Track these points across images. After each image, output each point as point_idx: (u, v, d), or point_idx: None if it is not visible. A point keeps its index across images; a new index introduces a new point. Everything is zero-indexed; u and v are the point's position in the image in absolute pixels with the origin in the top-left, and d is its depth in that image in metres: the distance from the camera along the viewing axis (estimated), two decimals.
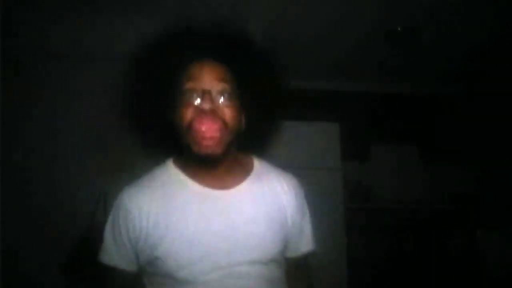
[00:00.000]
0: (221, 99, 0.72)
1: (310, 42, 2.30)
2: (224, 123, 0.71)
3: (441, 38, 2.29)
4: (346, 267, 2.31)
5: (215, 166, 0.75)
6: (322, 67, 2.72)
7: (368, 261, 2.46)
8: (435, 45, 2.39)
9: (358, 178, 2.90)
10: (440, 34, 2.24)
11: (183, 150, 0.75)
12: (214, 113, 0.70)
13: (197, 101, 0.71)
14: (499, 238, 1.77)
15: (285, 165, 0.87)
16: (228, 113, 0.72)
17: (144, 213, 0.74)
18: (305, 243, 0.84)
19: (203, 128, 0.69)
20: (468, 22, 2.08)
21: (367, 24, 2.13)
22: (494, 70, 2.68)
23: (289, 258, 0.82)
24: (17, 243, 2.02)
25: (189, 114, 0.70)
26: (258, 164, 0.85)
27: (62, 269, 1.88)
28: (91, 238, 1.68)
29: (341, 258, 2.31)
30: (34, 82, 2.32)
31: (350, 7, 1.96)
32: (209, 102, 0.69)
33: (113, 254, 0.77)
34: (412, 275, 2.52)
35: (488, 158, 2.90)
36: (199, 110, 0.70)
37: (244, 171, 0.81)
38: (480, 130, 2.85)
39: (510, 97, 2.56)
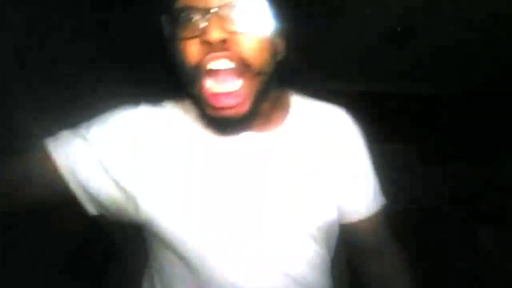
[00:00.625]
0: (241, 20, 0.45)
1: (310, 42, 2.30)
2: (246, 62, 0.46)
3: (441, 38, 2.29)
4: (346, 267, 2.31)
5: (243, 126, 0.53)
6: (322, 68, 2.71)
7: None
8: (435, 45, 2.39)
9: None
10: (440, 34, 2.24)
11: (194, 102, 0.53)
12: (228, 46, 0.45)
13: (200, 25, 0.45)
14: (499, 237, 1.76)
15: None
16: (252, 46, 0.46)
17: (141, 142, 0.52)
18: (374, 197, 0.63)
19: (217, 82, 0.46)
20: (468, 22, 2.08)
21: (366, 24, 2.13)
22: (494, 70, 2.67)
23: (360, 221, 0.60)
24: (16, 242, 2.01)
25: (188, 52, 0.46)
26: (297, 100, 0.62)
27: (62, 268, 1.88)
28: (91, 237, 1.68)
29: (341, 258, 2.30)
30: None
31: (350, 7, 1.96)
32: (219, 27, 0.44)
33: (68, 150, 0.50)
34: (411, 275, 2.52)
35: (488, 158, 2.90)
36: (203, 45, 0.45)
37: (280, 110, 0.59)
38: (480, 130, 2.85)
39: (510, 97, 2.56)
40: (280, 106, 0.59)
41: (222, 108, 0.46)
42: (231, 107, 0.46)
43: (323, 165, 0.57)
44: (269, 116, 0.57)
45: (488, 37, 2.24)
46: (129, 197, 0.51)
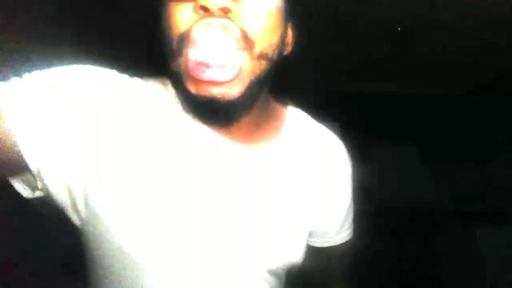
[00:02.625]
0: None
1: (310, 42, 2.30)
2: (248, 38, 0.37)
3: (441, 38, 2.29)
4: None
5: (230, 118, 0.43)
6: (322, 68, 2.71)
7: (368, 261, 2.45)
8: (435, 45, 2.38)
9: (358, 179, 2.90)
10: (441, 33, 2.24)
11: (174, 81, 0.43)
12: (228, 16, 0.36)
13: None
14: (499, 238, 1.76)
15: None
16: (258, 19, 0.38)
17: (110, 118, 0.41)
18: (345, 229, 0.58)
19: (206, 50, 0.36)
20: (468, 22, 2.08)
21: (366, 24, 2.13)
22: (495, 70, 2.67)
23: (323, 249, 0.57)
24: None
25: (176, 17, 0.37)
26: (293, 116, 0.55)
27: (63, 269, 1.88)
28: None
29: None
30: None
31: (349, 7, 1.96)
32: None
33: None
34: (412, 275, 2.52)
35: (488, 158, 2.90)
36: (197, 11, 0.36)
37: (273, 124, 0.52)
38: (480, 130, 2.85)
39: (510, 97, 2.55)
40: (274, 119, 0.52)
41: (206, 84, 0.36)
42: (218, 84, 0.36)
43: (304, 191, 0.52)
44: (261, 126, 0.49)
45: (488, 37, 2.24)
46: (84, 179, 0.40)
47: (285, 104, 0.56)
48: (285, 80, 0.49)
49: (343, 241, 0.60)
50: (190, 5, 0.37)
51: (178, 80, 0.39)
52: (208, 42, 0.36)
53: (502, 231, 1.85)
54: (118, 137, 0.42)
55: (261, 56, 0.39)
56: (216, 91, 0.37)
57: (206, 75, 0.36)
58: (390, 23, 2.14)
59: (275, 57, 0.41)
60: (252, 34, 0.37)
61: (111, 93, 0.42)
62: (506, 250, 1.76)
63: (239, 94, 0.38)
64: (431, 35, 2.23)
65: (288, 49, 0.46)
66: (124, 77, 0.45)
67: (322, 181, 0.54)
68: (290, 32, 0.46)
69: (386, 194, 3.07)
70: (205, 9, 0.35)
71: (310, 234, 0.55)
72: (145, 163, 0.42)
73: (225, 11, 0.35)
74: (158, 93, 0.46)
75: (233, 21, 0.36)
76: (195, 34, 0.36)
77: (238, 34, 0.37)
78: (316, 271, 0.59)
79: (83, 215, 0.42)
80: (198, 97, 0.38)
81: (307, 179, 0.53)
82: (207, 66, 0.36)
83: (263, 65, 0.39)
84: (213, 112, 0.40)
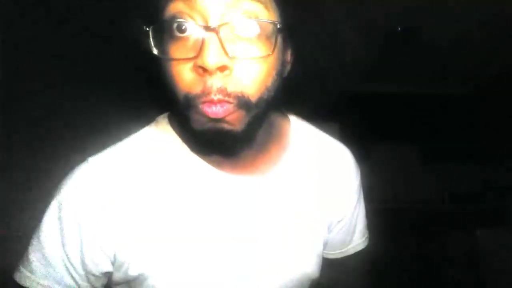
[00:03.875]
0: (247, 39, 0.38)
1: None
2: (247, 100, 0.39)
3: (441, 38, 2.29)
4: None
5: (234, 150, 0.46)
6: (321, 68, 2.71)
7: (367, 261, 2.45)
8: (435, 45, 2.39)
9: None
10: (441, 34, 2.24)
11: (178, 115, 0.44)
12: (226, 76, 0.37)
13: (194, 43, 0.37)
14: (499, 238, 1.76)
15: None
16: (258, 74, 0.39)
17: (117, 214, 0.44)
18: (355, 239, 0.59)
19: (209, 113, 0.38)
20: (468, 22, 2.08)
21: (366, 24, 2.13)
22: (495, 70, 2.67)
23: (339, 260, 0.58)
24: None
25: (179, 77, 0.38)
26: (297, 130, 0.55)
27: None
28: None
29: None
30: None
31: (349, 7, 1.95)
32: (218, 50, 0.36)
33: (41, 273, 0.43)
34: (412, 275, 2.52)
35: (488, 158, 2.90)
36: (196, 69, 0.37)
37: (278, 144, 0.51)
38: (480, 130, 2.85)
39: (510, 97, 2.56)
40: (278, 137, 0.52)
41: (214, 119, 0.38)
42: (224, 118, 0.38)
43: (317, 203, 0.53)
44: (267, 146, 0.50)
45: (488, 37, 2.24)
46: (119, 261, 0.45)
47: (286, 117, 0.56)
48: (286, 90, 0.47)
49: (357, 250, 0.60)
50: (190, 64, 0.38)
51: (184, 117, 0.41)
52: (213, 108, 0.38)
53: (502, 231, 1.85)
54: (153, 209, 0.46)
55: (257, 106, 0.40)
56: (223, 125, 0.39)
57: (213, 112, 0.38)
58: (390, 23, 2.14)
59: (273, 94, 0.42)
60: (250, 92, 0.39)
61: (123, 189, 0.46)
62: (505, 251, 1.76)
63: (242, 128, 0.40)
64: (432, 35, 2.23)
65: (289, 67, 0.46)
66: (120, 160, 0.47)
67: (332, 191, 0.55)
68: (288, 58, 0.45)
69: (386, 194, 3.08)
70: (203, 69, 0.36)
71: (325, 246, 0.56)
72: (174, 219, 0.46)
73: (223, 69, 0.37)
74: (156, 143, 0.48)
75: (231, 81, 0.38)
76: (200, 100, 0.38)
77: (237, 96, 0.38)
78: (333, 283, 0.60)
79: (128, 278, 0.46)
80: (205, 131, 0.40)
81: (318, 190, 0.53)
82: (214, 108, 0.38)
83: (261, 109, 0.41)
84: (221, 143, 0.42)
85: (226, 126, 0.39)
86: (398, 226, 2.58)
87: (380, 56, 2.52)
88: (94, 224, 0.44)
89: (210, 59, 0.35)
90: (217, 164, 0.47)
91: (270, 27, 0.39)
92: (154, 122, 0.51)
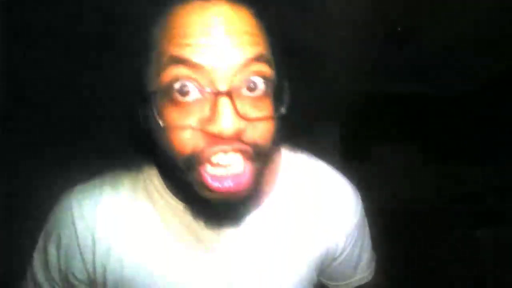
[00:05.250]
0: (253, 97, 0.37)
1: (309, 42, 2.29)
2: (258, 152, 0.38)
3: (442, 38, 2.29)
4: None
5: (235, 208, 0.42)
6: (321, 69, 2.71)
7: None
8: (435, 45, 2.38)
9: (358, 178, 2.90)
10: (441, 34, 2.24)
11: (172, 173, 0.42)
12: (239, 139, 0.36)
13: (200, 109, 0.35)
14: (498, 238, 1.76)
15: None
16: (267, 130, 0.38)
17: (102, 240, 0.45)
18: (359, 272, 0.57)
19: (221, 173, 0.36)
20: (468, 22, 2.08)
21: (366, 24, 2.13)
22: (494, 70, 2.67)
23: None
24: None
25: (183, 143, 0.36)
26: (288, 165, 0.53)
27: None
28: None
29: None
30: None
31: (349, 7, 1.95)
32: (230, 115, 0.34)
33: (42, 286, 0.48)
34: (411, 275, 2.52)
35: (488, 158, 2.90)
36: (207, 136, 0.35)
37: (266, 181, 0.49)
38: (480, 130, 2.85)
39: (510, 97, 2.56)
40: (267, 176, 0.49)
41: (222, 192, 0.36)
42: (233, 191, 0.36)
43: (304, 246, 0.51)
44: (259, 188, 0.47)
45: (488, 37, 2.24)
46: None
47: (278, 150, 0.54)
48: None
49: (362, 283, 0.58)
50: (197, 130, 0.35)
51: (184, 185, 0.39)
52: (224, 162, 0.36)
53: (502, 231, 1.85)
54: (127, 253, 0.47)
55: (266, 156, 0.40)
56: (230, 195, 0.37)
57: (222, 186, 0.36)
58: (390, 23, 2.14)
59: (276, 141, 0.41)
60: (261, 147, 0.38)
61: (107, 219, 0.46)
62: (505, 251, 1.76)
63: (248, 192, 0.39)
64: (432, 35, 2.23)
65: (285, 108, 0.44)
66: (107, 191, 0.48)
67: (323, 229, 0.53)
68: (286, 98, 0.41)
69: (386, 194, 3.07)
70: (216, 136, 0.34)
71: (328, 276, 0.56)
72: (153, 259, 0.46)
73: (238, 134, 0.35)
74: (145, 189, 0.48)
75: (243, 140, 0.36)
76: (210, 160, 0.36)
77: (248, 151, 0.37)
78: None
79: None
80: (212, 200, 0.38)
81: (306, 228, 0.52)
82: (224, 178, 0.36)
83: (267, 159, 0.41)
84: (223, 207, 0.40)
85: (236, 195, 0.37)
86: (398, 226, 2.58)
87: (380, 56, 2.52)
88: (81, 249, 0.45)
89: (227, 125, 0.33)
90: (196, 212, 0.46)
91: (273, 84, 0.39)
92: (139, 170, 0.50)
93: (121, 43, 0.38)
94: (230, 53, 0.34)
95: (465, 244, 2.26)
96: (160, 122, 0.36)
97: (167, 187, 0.47)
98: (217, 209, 0.40)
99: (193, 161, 0.36)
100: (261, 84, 0.37)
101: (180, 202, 0.46)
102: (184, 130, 0.35)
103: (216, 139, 0.34)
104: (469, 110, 2.93)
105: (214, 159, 0.36)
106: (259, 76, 0.36)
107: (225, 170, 0.36)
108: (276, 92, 0.39)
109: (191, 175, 0.37)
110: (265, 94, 0.38)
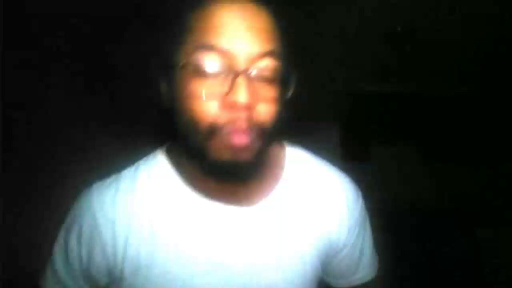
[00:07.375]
0: (266, 80, 0.44)
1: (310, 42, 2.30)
2: (265, 131, 0.45)
3: (442, 38, 2.29)
4: None
5: (240, 179, 0.50)
6: (322, 69, 2.71)
7: None
8: (435, 45, 2.39)
9: (358, 178, 2.90)
10: (441, 34, 2.24)
11: (183, 145, 0.49)
12: (249, 113, 0.43)
13: (220, 85, 0.42)
14: (499, 238, 1.76)
15: None
16: (275, 111, 0.46)
17: (121, 232, 0.50)
18: (361, 269, 0.60)
19: (236, 140, 0.43)
20: (468, 22, 2.08)
21: (366, 24, 2.13)
22: (495, 71, 2.67)
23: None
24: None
25: (203, 112, 0.43)
26: (292, 160, 0.59)
27: None
28: None
29: None
30: None
31: (349, 7, 1.96)
32: (248, 90, 0.41)
33: (64, 281, 0.51)
34: (411, 275, 2.51)
35: (488, 159, 2.90)
36: (224, 106, 0.43)
37: (271, 174, 0.56)
38: (480, 130, 2.85)
39: (510, 98, 2.55)
40: (272, 169, 0.56)
41: (235, 149, 0.43)
42: (246, 147, 0.43)
43: (307, 240, 0.55)
44: (259, 180, 0.54)
45: (489, 37, 2.24)
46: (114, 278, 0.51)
47: (281, 145, 0.61)
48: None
49: (364, 281, 0.62)
50: (215, 100, 0.43)
51: (198, 151, 0.45)
52: (238, 139, 0.43)
53: (502, 232, 1.85)
54: (142, 240, 0.51)
55: (272, 134, 0.46)
56: (240, 155, 0.44)
57: (240, 141, 0.44)
58: (390, 23, 2.14)
59: (280, 124, 0.47)
60: (268, 126, 0.45)
61: (125, 211, 0.51)
62: (505, 251, 1.76)
63: (252, 157, 0.45)
64: (432, 35, 2.23)
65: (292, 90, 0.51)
66: (122, 186, 0.53)
67: (325, 223, 0.57)
68: (293, 81, 0.49)
69: (386, 194, 3.07)
70: (232, 105, 0.42)
71: (331, 274, 0.59)
72: (165, 249, 0.50)
73: (248, 107, 0.42)
74: (152, 176, 0.53)
75: (253, 116, 0.44)
76: (224, 132, 0.43)
77: (256, 128, 0.44)
78: None
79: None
80: (222, 161, 0.44)
81: (309, 222, 0.56)
82: (238, 138, 0.43)
83: (274, 135, 0.48)
84: (232, 173, 0.46)
85: (244, 156, 0.44)
86: (397, 226, 2.58)
87: (380, 56, 2.52)
88: (101, 239, 0.50)
89: (242, 97, 0.41)
90: (209, 195, 0.51)
91: (281, 73, 0.46)
92: (152, 153, 0.57)
93: (160, 23, 0.49)
94: (249, 45, 0.42)
95: (465, 244, 2.26)
96: (186, 91, 0.43)
97: (181, 173, 0.53)
98: (229, 171, 0.45)
99: (213, 128, 0.43)
100: (271, 73, 0.44)
101: (194, 189, 0.52)
102: (206, 101, 0.42)
103: (232, 109, 0.42)
104: (469, 110, 2.93)
105: (230, 127, 0.43)
106: (270, 66, 0.44)
107: (238, 137, 0.43)
108: (284, 81, 0.46)
109: (211, 140, 0.44)
110: (274, 81, 0.45)
